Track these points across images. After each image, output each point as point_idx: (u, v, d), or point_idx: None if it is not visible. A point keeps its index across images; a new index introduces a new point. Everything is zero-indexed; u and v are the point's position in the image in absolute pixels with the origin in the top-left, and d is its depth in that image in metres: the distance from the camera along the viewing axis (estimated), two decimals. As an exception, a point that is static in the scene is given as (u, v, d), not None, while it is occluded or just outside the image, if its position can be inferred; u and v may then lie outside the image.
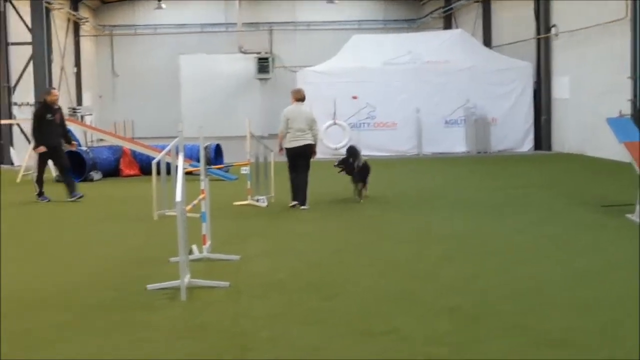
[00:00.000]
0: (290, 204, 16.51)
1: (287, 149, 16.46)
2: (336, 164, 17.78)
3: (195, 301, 8.74)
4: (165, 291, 9.12)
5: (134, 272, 10.36)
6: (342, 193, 18.02)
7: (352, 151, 17.91)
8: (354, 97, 29.35)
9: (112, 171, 24.05)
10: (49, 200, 18.31)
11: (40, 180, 18.60)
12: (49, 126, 18.26)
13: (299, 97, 16.64)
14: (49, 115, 18.25)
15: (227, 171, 22.80)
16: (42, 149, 18.19)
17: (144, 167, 22.89)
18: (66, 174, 18.82)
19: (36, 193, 18.58)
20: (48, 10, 34.22)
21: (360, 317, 8.03)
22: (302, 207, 16.38)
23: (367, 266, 10.60)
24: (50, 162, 19.62)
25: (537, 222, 14.07)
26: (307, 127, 16.36)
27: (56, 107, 18.66)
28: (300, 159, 16.52)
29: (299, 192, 16.50)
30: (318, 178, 18.29)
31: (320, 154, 26.72)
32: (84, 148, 23.91)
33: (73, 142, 19.74)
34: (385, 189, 19.13)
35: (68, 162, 19.18)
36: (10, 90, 31.12)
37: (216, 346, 7.17)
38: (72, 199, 18.27)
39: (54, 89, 19.28)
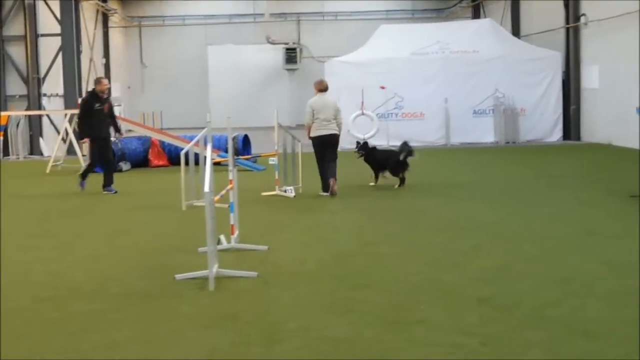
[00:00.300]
0: (321, 193, 16.73)
1: (314, 138, 16.70)
2: (356, 149, 18.22)
3: (224, 291, 8.76)
4: (194, 281, 9.15)
5: (163, 262, 10.40)
6: (371, 183, 17.99)
7: (404, 147, 18.15)
8: (382, 87, 29.27)
9: (140, 162, 24.14)
10: (84, 189, 18.36)
11: (88, 171, 18.59)
12: (97, 116, 18.00)
13: (322, 88, 16.91)
14: (97, 105, 17.98)
15: (255, 161, 22.82)
16: (86, 141, 18.17)
17: (173, 157, 22.97)
18: (109, 167, 18.48)
19: (80, 173, 18.69)
20: (77, 2, 34.29)
21: (389, 307, 8.01)
22: (330, 194, 16.67)
23: (397, 256, 10.58)
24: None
25: (567, 211, 14.01)
26: (333, 117, 16.68)
27: (105, 96, 18.36)
28: (328, 147, 16.78)
29: (329, 180, 16.66)
30: (346, 168, 18.30)
31: (347, 144, 27.06)
32: (112, 139, 23.95)
33: (122, 132, 19.47)
34: (414, 179, 19.06)
35: (113, 155, 19.15)
36: (39, 82, 31.33)
37: (245, 336, 7.18)
38: (106, 192, 18.08)
39: (104, 78, 18.97)
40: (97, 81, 18.47)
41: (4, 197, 17.81)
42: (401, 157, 17.81)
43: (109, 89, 18.64)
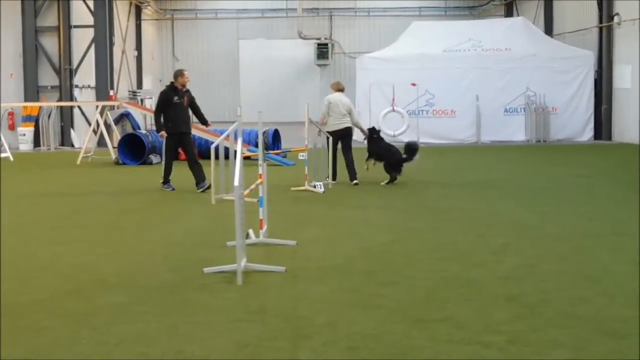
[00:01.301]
0: (330, 182, 17.83)
1: (331, 132, 18.05)
2: (364, 139, 19.39)
3: (252, 285, 8.78)
4: (222, 275, 9.18)
5: (191, 255, 10.43)
6: (400, 179, 17.99)
7: (411, 147, 18.63)
8: (413, 84, 29.23)
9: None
10: (174, 189, 17.33)
11: (168, 168, 17.48)
12: (175, 110, 17.16)
13: (340, 88, 18.59)
14: (175, 98, 17.12)
15: (284, 156, 22.87)
16: (163, 134, 17.20)
17: (203, 151, 22.97)
18: (193, 162, 17.33)
19: (161, 181, 17.57)
20: (110, -6, 34.55)
21: (416, 303, 8.01)
22: (354, 182, 17.95)
23: (426, 253, 10.57)
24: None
25: (598, 211, 13.96)
26: (347, 112, 18.19)
27: (185, 89, 17.38)
28: (343, 139, 18.32)
29: (348, 170, 18.08)
30: (376, 166, 18.30)
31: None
32: (143, 131, 24.10)
33: (209, 123, 18.18)
34: (444, 176, 19.07)
35: (195, 150, 17.94)
36: (72, 73, 31.55)
37: (273, 330, 7.20)
38: (200, 189, 17.05)
39: (185, 70, 17.75)
40: (179, 73, 17.52)
41: (33, 188, 17.93)
42: (404, 156, 18.30)
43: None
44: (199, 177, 17.21)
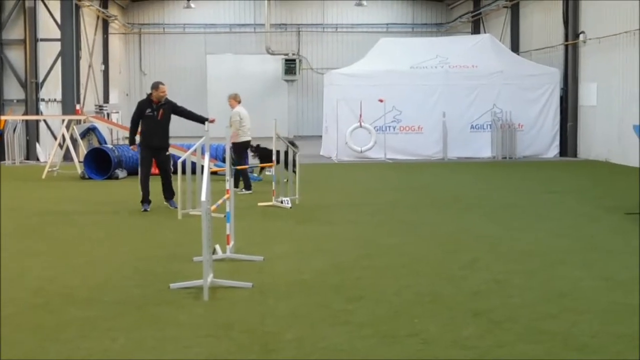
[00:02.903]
0: (244, 191, 18.89)
1: (243, 142, 19.46)
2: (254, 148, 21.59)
3: (219, 301, 8.74)
4: (189, 290, 9.13)
5: (159, 270, 10.38)
6: (371, 195, 18.00)
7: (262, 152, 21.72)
8: (381, 100, 29.24)
9: (137, 169, 24.06)
10: (147, 210, 16.37)
11: (144, 184, 16.54)
12: (148, 122, 16.49)
13: (240, 100, 20.03)
14: (148, 111, 16.46)
15: (252, 172, 22.82)
16: (134, 148, 16.75)
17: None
18: (167, 181, 16.74)
19: (140, 200, 16.62)
20: (77, 7, 34.39)
21: (385, 319, 8.00)
22: (250, 191, 19.11)
23: (394, 268, 10.56)
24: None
25: (565, 227, 14.01)
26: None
27: (161, 103, 16.56)
28: (247, 150, 20.21)
29: (246, 178, 19.46)
30: (343, 180, 18.30)
31: (345, 156, 27.34)
32: (109, 146, 23.96)
33: (211, 119, 16.36)
34: (412, 191, 19.09)
35: (170, 167, 17.07)
36: (37, 86, 31.31)
37: (240, 345, 7.16)
38: (171, 206, 16.54)
39: (162, 84, 16.76)
40: (154, 86, 16.75)
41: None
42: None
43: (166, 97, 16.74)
44: (169, 194, 16.79)
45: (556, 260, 11.05)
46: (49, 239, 13.15)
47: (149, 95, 16.74)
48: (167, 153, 17.10)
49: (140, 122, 16.62)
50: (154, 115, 16.51)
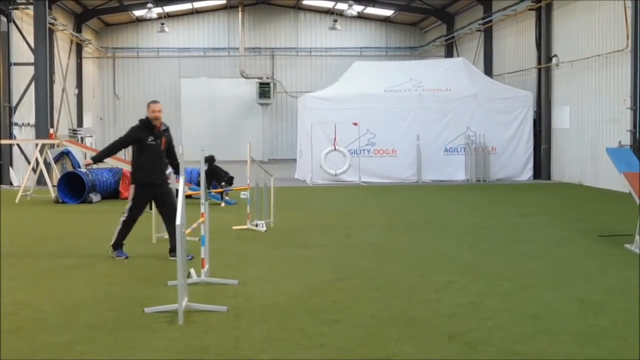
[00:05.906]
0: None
1: None
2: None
3: (194, 325, 8.70)
4: (164, 314, 9.09)
5: (133, 294, 10.33)
6: (346, 218, 18.01)
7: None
8: (355, 124, 29.31)
9: (111, 193, 24.06)
10: (127, 257, 13.31)
11: (125, 227, 13.50)
12: (148, 154, 13.18)
13: None
14: (150, 139, 13.19)
15: (226, 195, 22.80)
16: (89, 162, 14.15)
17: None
18: (169, 223, 13.16)
19: (111, 243, 13.53)
20: (51, 32, 34.31)
21: (360, 342, 7.99)
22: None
23: (369, 291, 10.57)
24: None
25: (539, 249, 14.06)
26: None
27: (163, 128, 13.45)
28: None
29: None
30: (321, 203, 18.30)
31: (320, 180, 27.38)
32: (83, 170, 23.88)
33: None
34: (386, 214, 19.10)
35: (175, 206, 10.87)
36: (11, 111, 31.15)
37: (215, 369, 7.14)
38: (172, 258, 12.44)
39: (155, 102, 13.61)
40: (148, 105, 13.59)
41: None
42: None
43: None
44: (175, 242, 11.18)
45: (530, 282, 11.09)
46: (22, 263, 13.06)
47: (146, 119, 13.41)
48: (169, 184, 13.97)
49: (136, 154, 13.34)
50: (157, 144, 13.31)
